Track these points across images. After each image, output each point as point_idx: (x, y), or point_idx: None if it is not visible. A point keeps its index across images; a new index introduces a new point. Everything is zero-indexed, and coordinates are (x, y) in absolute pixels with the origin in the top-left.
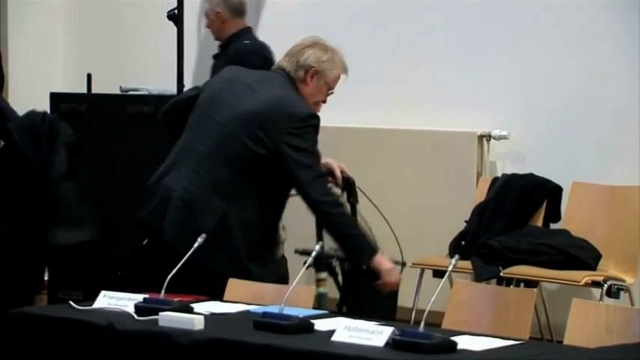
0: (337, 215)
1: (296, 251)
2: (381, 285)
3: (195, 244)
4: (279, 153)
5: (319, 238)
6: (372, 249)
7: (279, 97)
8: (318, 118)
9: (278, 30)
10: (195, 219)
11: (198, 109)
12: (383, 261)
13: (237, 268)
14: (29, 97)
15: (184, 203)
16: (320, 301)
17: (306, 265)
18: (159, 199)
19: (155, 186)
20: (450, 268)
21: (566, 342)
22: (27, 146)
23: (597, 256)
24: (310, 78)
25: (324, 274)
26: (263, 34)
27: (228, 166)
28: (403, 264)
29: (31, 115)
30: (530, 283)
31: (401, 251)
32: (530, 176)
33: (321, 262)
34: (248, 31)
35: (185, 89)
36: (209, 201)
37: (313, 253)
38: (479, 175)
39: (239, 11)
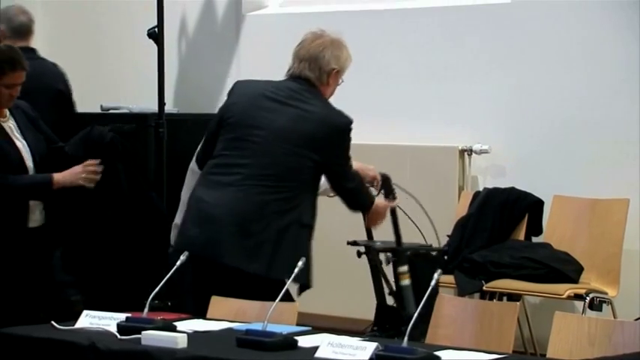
0: (361, 194)
1: (348, 243)
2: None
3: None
4: (326, 166)
5: (369, 234)
6: (372, 200)
7: (323, 114)
8: (352, 123)
9: (258, 45)
10: (253, 238)
11: (228, 133)
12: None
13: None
14: None
15: (237, 226)
16: (403, 294)
17: (289, 282)
18: (205, 228)
19: (197, 215)
20: (433, 282)
21: (549, 355)
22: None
23: (579, 269)
24: (333, 79)
25: (405, 267)
26: (243, 49)
27: (272, 180)
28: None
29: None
30: (513, 297)
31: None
32: (512, 190)
33: (401, 256)
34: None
35: (166, 107)
36: (262, 218)
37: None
38: (460, 189)
39: (18, 32)
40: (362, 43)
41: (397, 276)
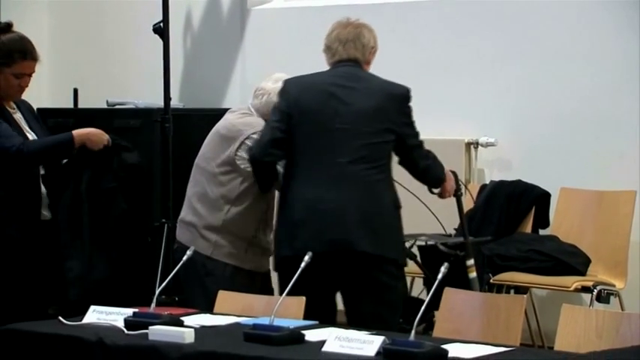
0: (434, 165)
1: None
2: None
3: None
4: (402, 139)
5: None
6: (443, 170)
7: (385, 87)
8: (410, 91)
9: (263, 39)
10: (375, 221)
11: (304, 130)
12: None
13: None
14: None
15: (359, 214)
16: (471, 287)
17: (297, 274)
18: (326, 223)
19: (310, 214)
20: (440, 276)
21: (556, 348)
22: None
23: (586, 262)
24: (371, 57)
25: (472, 261)
26: (248, 44)
27: (367, 161)
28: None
29: None
30: (520, 290)
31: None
32: (518, 183)
33: (469, 250)
34: None
35: (171, 102)
36: (375, 199)
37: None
38: (467, 182)
39: None
40: None
41: (465, 270)
